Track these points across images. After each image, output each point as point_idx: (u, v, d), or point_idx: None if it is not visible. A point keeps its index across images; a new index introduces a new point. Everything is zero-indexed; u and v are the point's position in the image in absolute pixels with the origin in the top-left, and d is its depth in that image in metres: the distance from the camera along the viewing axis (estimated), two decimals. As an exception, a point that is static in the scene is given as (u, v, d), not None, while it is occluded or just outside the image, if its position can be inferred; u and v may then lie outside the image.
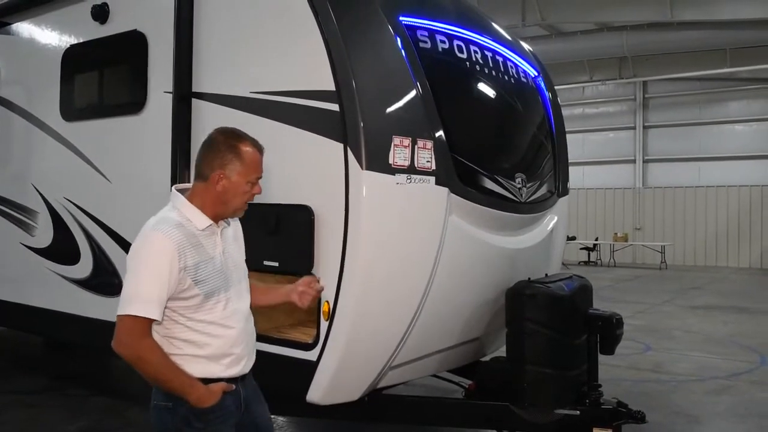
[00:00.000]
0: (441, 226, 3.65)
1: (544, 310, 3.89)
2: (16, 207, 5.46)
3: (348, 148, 3.39)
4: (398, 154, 3.45)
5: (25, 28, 5.44)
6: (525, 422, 3.98)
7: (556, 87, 20.35)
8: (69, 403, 5.77)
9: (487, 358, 4.68)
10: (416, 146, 3.52)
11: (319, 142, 3.49)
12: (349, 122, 3.39)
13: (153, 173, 4.29)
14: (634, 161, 22.75)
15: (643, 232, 22.36)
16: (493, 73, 4.34)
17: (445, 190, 3.66)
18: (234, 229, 2.55)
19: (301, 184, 3.59)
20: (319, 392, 3.53)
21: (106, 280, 4.68)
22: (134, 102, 4.50)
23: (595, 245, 21.69)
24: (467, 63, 4.10)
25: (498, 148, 4.37)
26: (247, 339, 2.47)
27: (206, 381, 2.32)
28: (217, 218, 2.40)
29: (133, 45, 4.52)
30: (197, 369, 2.32)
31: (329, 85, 3.46)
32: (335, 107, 3.44)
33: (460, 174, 3.79)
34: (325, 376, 3.50)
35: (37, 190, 5.23)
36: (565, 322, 3.94)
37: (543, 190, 4.63)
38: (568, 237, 21.11)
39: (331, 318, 3.48)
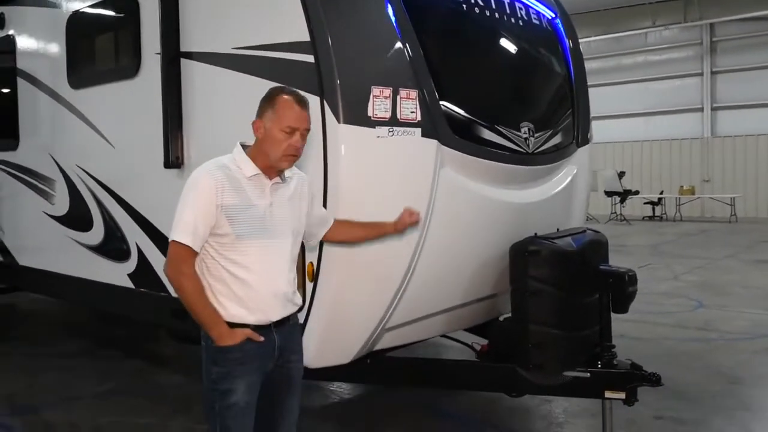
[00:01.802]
0: (430, 181, 3.45)
1: (549, 267, 3.65)
2: (39, 177, 5.56)
3: (324, 101, 3.22)
4: (378, 106, 3.25)
5: (34, -3, 5.47)
6: (533, 385, 3.80)
7: (617, 34, 19.58)
8: (102, 366, 5.93)
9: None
10: (398, 96, 3.31)
11: (298, 97, 3.32)
12: (325, 73, 3.22)
13: (150, 136, 4.22)
14: (701, 109, 21.51)
15: (711, 184, 21.24)
16: (496, 15, 4.04)
17: (433, 142, 3.44)
18: (294, 189, 2.62)
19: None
20: (307, 355, 3.38)
21: (116, 246, 4.71)
22: (130, 66, 4.45)
23: (660, 199, 20.78)
24: (463, 4, 3.82)
25: (499, 96, 4.09)
26: (279, 290, 2.53)
27: (236, 326, 2.47)
28: (267, 170, 2.50)
29: (127, 8, 4.45)
30: (226, 309, 2.47)
31: (304, 36, 3.29)
32: (311, 58, 3.27)
33: (452, 125, 3.56)
34: (313, 339, 3.40)
35: (54, 159, 5.30)
36: (572, 280, 3.68)
37: (556, 140, 4.32)
38: (630, 191, 20.15)
39: (315, 279, 3.37)
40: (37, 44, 5.56)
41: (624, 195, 20.00)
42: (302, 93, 2.59)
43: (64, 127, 5.16)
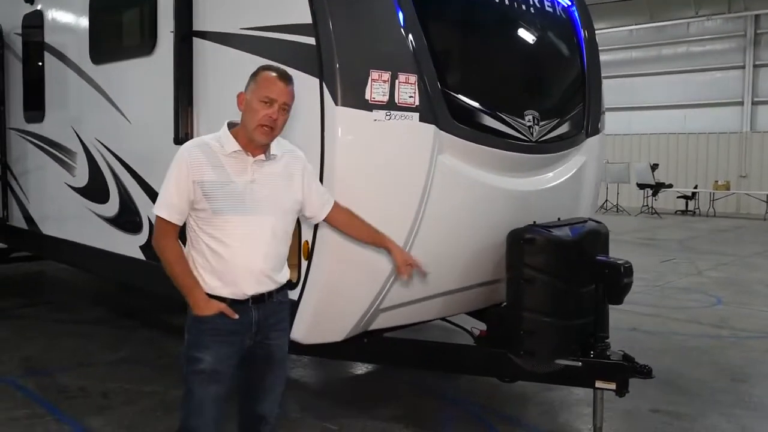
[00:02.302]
0: (427, 165, 3.48)
1: (544, 256, 3.67)
2: (62, 149, 5.73)
3: (323, 83, 3.27)
4: (376, 89, 3.29)
5: (62, -27, 5.61)
6: (525, 371, 3.83)
7: (658, 24, 19.36)
8: (117, 334, 6.15)
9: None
10: (397, 80, 3.34)
11: (299, 78, 3.31)
12: (325, 56, 3.27)
13: (163, 113, 4.32)
14: (741, 103, 20.97)
15: (748, 179, 20.74)
16: (506, 1, 4.03)
17: (431, 127, 3.47)
18: (285, 167, 2.66)
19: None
20: (301, 331, 3.52)
21: (129, 218, 4.85)
22: (147, 43, 4.55)
23: (693, 194, 20.38)
24: (470, -9, 3.83)
25: (504, 84, 4.08)
26: (254, 266, 2.59)
27: (213, 298, 2.57)
28: (248, 146, 2.55)
29: (146, -15, 4.55)
30: (204, 280, 2.58)
31: (306, 18, 3.34)
32: (312, 41, 3.32)
33: (453, 110, 3.58)
34: (306, 315, 3.49)
35: (76, 132, 5.46)
36: (566, 269, 3.69)
37: (563, 129, 4.30)
38: (663, 184, 19.82)
39: (309, 257, 3.44)
40: (63, 19, 5.71)
41: (656, 188, 19.67)
42: (288, 71, 2.66)
43: (86, 101, 5.31)
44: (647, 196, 19.97)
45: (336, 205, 2.91)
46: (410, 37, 3.43)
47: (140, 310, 7.04)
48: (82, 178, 5.44)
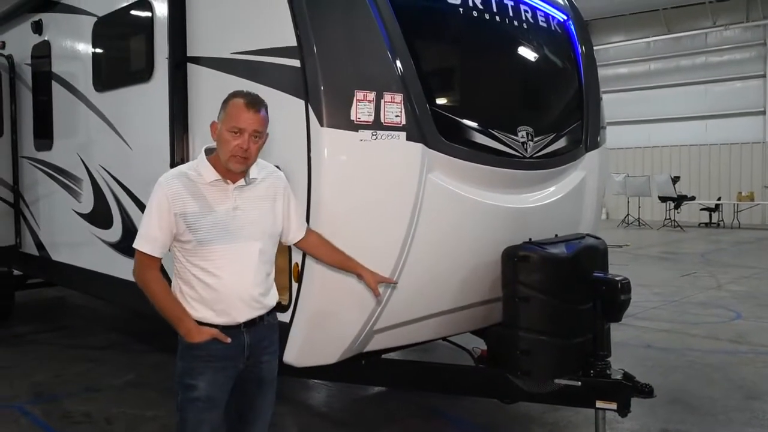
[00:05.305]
0: (416, 184, 3.45)
1: (538, 273, 3.61)
2: (69, 176, 5.81)
3: (308, 105, 3.28)
4: (361, 110, 3.28)
5: (66, 5, 5.72)
6: (523, 392, 3.76)
7: (676, 35, 19.26)
8: (125, 359, 6.17)
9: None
10: (382, 100, 3.33)
11: (285, 100, 3.38)
12: (309, 77, 3.27)
13: (161, 138, 4.36)
14: (763, 113, 20.63)
15: (773, 190, 20.36)
16: (497, 18, 4.01)
17: (419, 146, 3.45)
18: (267, 189, 2.64)
19: (272, 144, 3.51)
20: (293, 354, 3.49)
21: (131, 244, 4.87)
22: (145, 70, 4.61)
23: (717, 206, 20.03)
24: (459, 8, 3.81)
25: (495, 100, 4.06)
26: (244, 293, 2.57)
27: (205, 325, 2.54)
28: (228, 173, 2.53)
29: (143, 14, 4.62)
30: (195, 310, 2.55)
31: (291, 41, 3.35)
32: (297, 63, 3.33)
33: (442, 128, 3.56)
34: (298, 338, 3.46)
35: (81, 159, 5.54)
36: (562, 287, 3.63)
37: (560, 144, 4.25)
38: (686, 197, 19.48)
39: (300, 279, 3.43)
40: (68, 49, 5.82)
41: (679, 200, 19.38)
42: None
43: (90, 128, 5.39)
44: (669, 209, 19.68)
45: (309, 228, 2.91)
46: (396, 56, 3.42)
47: (153, 334, 7.06)
48: (87, 204, 5.50)
